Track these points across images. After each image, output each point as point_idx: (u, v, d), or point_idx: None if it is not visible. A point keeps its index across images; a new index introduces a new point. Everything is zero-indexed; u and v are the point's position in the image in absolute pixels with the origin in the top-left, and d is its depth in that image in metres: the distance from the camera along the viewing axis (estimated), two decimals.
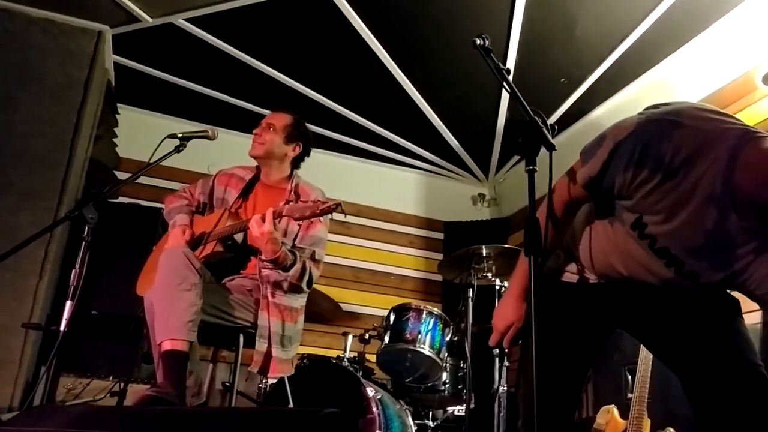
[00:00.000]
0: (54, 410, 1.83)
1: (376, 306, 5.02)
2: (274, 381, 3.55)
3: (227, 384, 4.01)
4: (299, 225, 2.72)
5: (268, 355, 2.59)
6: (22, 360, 3.09)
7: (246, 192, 2.88)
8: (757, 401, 1.56)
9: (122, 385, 3.26)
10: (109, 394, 3.23)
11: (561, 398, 1.71)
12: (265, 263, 2.55)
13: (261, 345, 2.58)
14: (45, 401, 2.83)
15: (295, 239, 2.72)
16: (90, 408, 2.38)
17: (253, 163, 2.95)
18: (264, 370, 2.60)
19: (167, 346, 2.25)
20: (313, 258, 2.71)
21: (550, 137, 1.69)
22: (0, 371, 3.03)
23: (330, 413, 1.05)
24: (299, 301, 2.74)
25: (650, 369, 2.77)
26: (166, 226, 2.98)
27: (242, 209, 2.84)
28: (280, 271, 2.55)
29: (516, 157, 5.32)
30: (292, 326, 2.67)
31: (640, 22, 3.64)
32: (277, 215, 2.48)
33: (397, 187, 5.72)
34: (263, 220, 2.43)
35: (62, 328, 2.22)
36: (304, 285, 2.64)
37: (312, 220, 2.69)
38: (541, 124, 1.70)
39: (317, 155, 5.32)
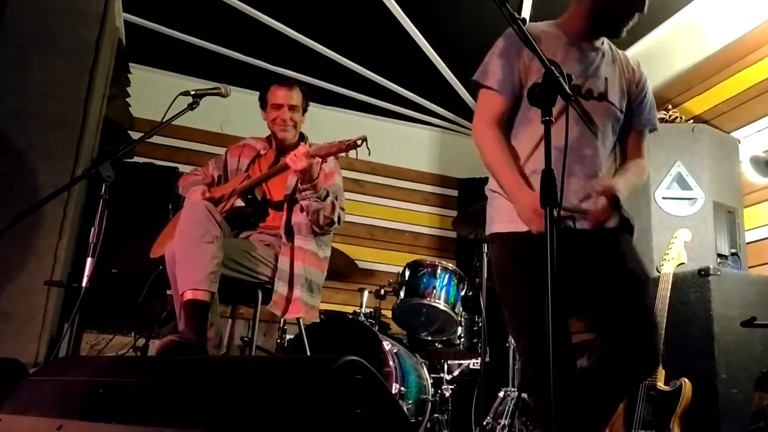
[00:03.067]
0: (80, 360, 1.88)
1: (391, 263, 5.04)
2: (292, 337, 3.62)
3: (246, 339, 4.08)
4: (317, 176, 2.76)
5: (288, 298, 2.65)
6: (46, 317, 3.15)
7: (262, 158, 2.96)
8: None
9: (143, 340, 3.33)
10: (131, 349, 3.31)
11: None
12: (304, 193, 2.62)
13: (281, 287, 2.63)
14: None
15: None
16: (115, 358, 2.44)
17: (263, 133, 3.01)
18: (285, 311, 2.65)
19: (189, 296, 2.30)
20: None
21: (566, 87, 1.67)
22: (24, 328, 3.09)
23: (349, 360, 1.07)
24: (324, 251, 2.83)
25: (665, 322, 2.78)
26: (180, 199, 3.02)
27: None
28: (318, 199, 2.62)
29: None
30: (318, 273, 2.77)
31: None
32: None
33: (410, 144, 5.69)
34: (298, 156, 2.51)
35: (84, 284, 2.27)
36: (335, 218, 2.72)
37: (327, 171, 2.78)
38: (558, 74, 1.68)
39: (330, 112, 5.35)
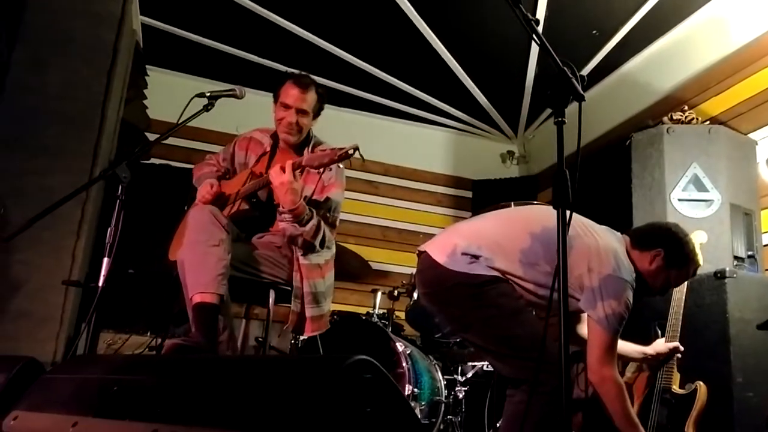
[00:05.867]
0: (95, 358, 1.91)
1: (405, 264, 5.04)
2: (306, 337, 3.63)
3: (260, 339, 4.10)
4: (314, 187, 2.72)
5: (302, 315, 2.65)
6: (63, 317, 3.19)
7: (267, 155, 2.88)
8: None
9: (159, 340, 3.35)
10: (147, 349, 3.34)
11: None
12: (283, 215, 2.55)
13: (295, 305, 2.63)
14: None
15: (308, 201, 2.69)
16: (129, 356, 2.47)
17: (271, 124, 2.90)
18: (299, 330, 2.67)
19: (198, 299, 2.31)
20: (326, 219, 2.70)
21: (579, 88, 1.67)
22: (42, 327, 3.13)
23: (359, 360, 1.07)
24: (324, 256, 2.76)
25: (680, 324, 2.76)
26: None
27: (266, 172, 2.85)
28: (296, 225, 2.55)
29: (545, 114, 5.24)
30: (322, 282, 2.71)
31: None
32: (297, 166, 2.49)
33: (425, 145, 5.69)
34: (283, 170, 2.45)
35: (100, 284, 2.29)
36: (317, 243, 2.64)
37: (326, 183, 2.71)
38: (571, 75, 1.68)
39: (344, 114, 5.36)
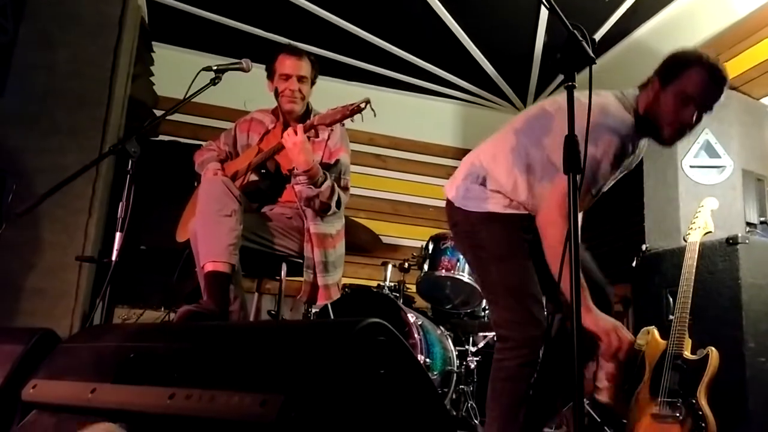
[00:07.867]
0: (111, 327, 1.94)
1: (416, 237, 5.05)
2: (318, 310, 3.66)
3: (272, 312, 4.13)
4: (321, 153, 2.75)
5: (315, 285, 2.68)
6: (78, 293, 3.23)
7: (270, 133, 2.91)
8: None
9: (173, 315, 3.39)
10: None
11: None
12: (298, 178, 2.60)
13: (308, 275, 2.67)
14: None
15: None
16: (145, 324, 2.50)
17: (270, 104, 2.95)
18: (312, 300, 2.70)
19: (210, 267, 2.35)
20: (338, 182, 2.74)
21: (589, 50, 1.65)
22: (58, 304, 3.18)
23: (372, 323, 1.08)
24: (335, 226, 2.79)
25: (692, 290, 2.75)
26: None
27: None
28: (312, 186, 2.59)
29: (555, 84, 5.19)
30: (332, 251, 2.75)
31: None
32: (309, 127, 2.53)
33: (433, 118, 5.66)
34: (295, 133, 2.49)
35: (114, 258, 2.32)
36: (333, 204, 2.68)
37: (333, 148, 2.75)
38: (581, 38, 1.66)
39: (351, 87, 5.33)
